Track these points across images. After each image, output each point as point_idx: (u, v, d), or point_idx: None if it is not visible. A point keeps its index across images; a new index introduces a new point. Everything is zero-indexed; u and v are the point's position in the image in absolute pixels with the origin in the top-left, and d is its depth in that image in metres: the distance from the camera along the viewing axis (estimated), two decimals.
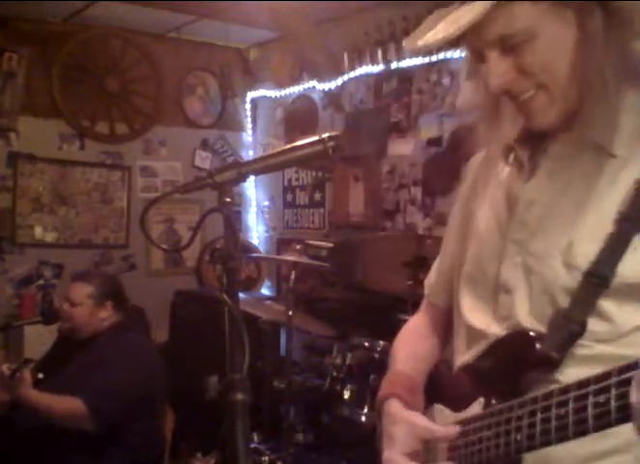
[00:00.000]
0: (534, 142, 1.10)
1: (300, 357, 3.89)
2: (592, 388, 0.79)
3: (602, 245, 0.97)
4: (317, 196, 4.59)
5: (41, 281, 4.27)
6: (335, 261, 3.90)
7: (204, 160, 4.90)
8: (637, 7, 0.96)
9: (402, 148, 3.95)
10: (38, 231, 4.28)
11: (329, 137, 1.06)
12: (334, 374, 3.03)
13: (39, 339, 3.57)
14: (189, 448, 3.25)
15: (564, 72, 0.98)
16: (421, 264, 2.90)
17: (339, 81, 4.26)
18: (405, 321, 1.44)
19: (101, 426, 2.46)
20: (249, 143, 5.14)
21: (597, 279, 0.97)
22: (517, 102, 1.03)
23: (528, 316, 1.04)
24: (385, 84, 4.04)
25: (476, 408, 1.08)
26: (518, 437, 0.91)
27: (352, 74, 4.17)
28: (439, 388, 1.24)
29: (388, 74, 3.98)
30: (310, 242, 4.11)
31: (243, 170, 1.04)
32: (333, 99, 4.37)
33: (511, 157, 1.14)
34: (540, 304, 1.03)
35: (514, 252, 1.08)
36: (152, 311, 4.03)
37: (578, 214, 1.01)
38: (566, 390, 0.83)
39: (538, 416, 0.87)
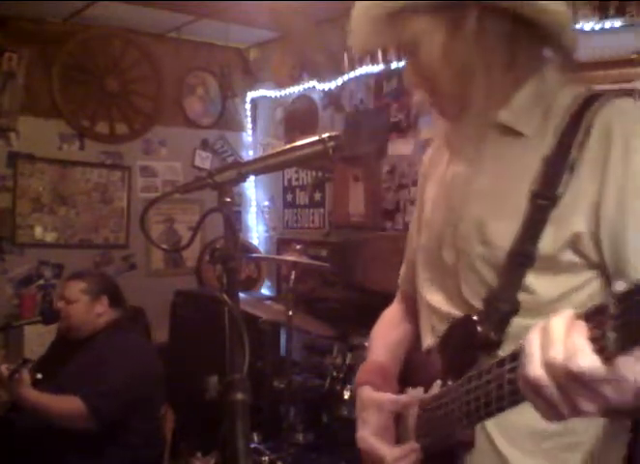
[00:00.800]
0: (459, 128, 1.18)
1: (300, 357, 3.89)
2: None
3: (520, 223, 1.03)
4: (317, 196, 4.59)
5: (41, 281, 4.27)
6: (335, 261, 3.90)
7: (204, 160, 4.90)
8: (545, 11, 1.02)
9: (402, 148, 3.95)
10: (38, 231, 4.28)
11: (329, 137, 1.06)
12: (334, 374, 3.03)
13: (39, 339, 3.58)
14: (189, 448, 3.25)
15: (447, 77, 1.07)
16: None
17: (339, 81, 4.26)
18: (395, 301, 1.50)
19: (100, 426, 2.46)
20: (249, 143, 5.14)
21: (521, 257, 1.03)
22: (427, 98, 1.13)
23: (469, 297, 1.11)
24: (385, 84, 4.04)
25: (435, 389, 1.13)
26: (471, 408, 0.96)
27: (352, 74, 4.17)
28: (411, 372, 1.31)
29: (388, 74, 3.98)
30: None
31: (243, 170, 1.04)
32: (333, 99, 4.37)
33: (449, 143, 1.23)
34: (473, 282, 1.11)
35: (449, 235, 1.16)
36: (152, 311, 4.03)
37: (489, 193, 1.09)
38: (502, 362, 0.86)
39: (481, 390, 0.92)
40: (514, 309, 1.03)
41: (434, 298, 1.21)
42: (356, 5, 1.09)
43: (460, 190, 1.14)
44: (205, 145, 4.94)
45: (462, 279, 1.13)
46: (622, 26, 2.86)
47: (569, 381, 0.69)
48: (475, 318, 1.05)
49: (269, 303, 3.94)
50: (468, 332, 1.05)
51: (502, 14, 1.02)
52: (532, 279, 1.03)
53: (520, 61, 1.07)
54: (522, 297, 1.04)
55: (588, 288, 1.05)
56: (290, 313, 2.91)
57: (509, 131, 1.08)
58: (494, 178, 1.10)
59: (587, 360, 0.67)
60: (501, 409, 0.88)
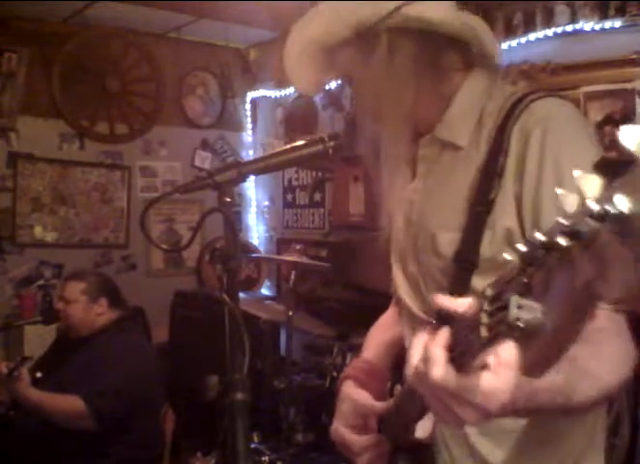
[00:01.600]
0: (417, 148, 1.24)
1: (300, 357, 3.89)
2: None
3: (462, 231, 1.08)
4: (317, 196, 4.58)
5: (41, 281, 4.26)
6: (335, 261, 3.90)
7: (204, 160, 4.90)
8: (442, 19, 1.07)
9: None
10: (38, 231, 4.28)
11: (329, 137, 1.06)
12: (334, 374, 3.03)
13: (39, 339, 3.57)
14: (190, 447, 3.25)
15: (379, 98, 1.12)
16: None
17: (339, 81, 4.25)
18: (390, 305, 1.52)
19: (100, 426, 2.46)
20: (249, 143, 5.14)
21: (465, 263, 1.08)
22: None
23: (429, 297, 1.15)
24: None
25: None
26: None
27: None
28: (399, 370, 1.32)
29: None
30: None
31: (243, 170, 1.04)
32: (333, 99, 4.37)
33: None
34: (433, 290, 1.15)
35: (411, 248, 1.22)
36: (152, 311, 4.01)
37: (439, 207, 1.15)
38: None
39: None
40: None
41: (410, 303, 1.25)
42: (286, 51, 1.20)
43: (416, 205, 1.20)
44: (205, 145, 4.94)
45: (424, 288, 1.19)
46: (622, 26, 2.85)
47: (433, 391, 0.70)
48: (433, 322, 1.08)
49: (269, 303, 3.94)
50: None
51: (407, 34, 1.07)
52: (476, 281, 1.07)
53: (442, 75, 1.13)
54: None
55: None
56: (290, 313, 2.91)
57: (449, 145, 1.14)
58: (441, 191, 1.15)
59: (437, 370, 0.68)
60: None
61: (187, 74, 4.83)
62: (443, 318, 0.72)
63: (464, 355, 0.67)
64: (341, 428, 1.28)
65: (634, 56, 2.81)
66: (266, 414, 3.29)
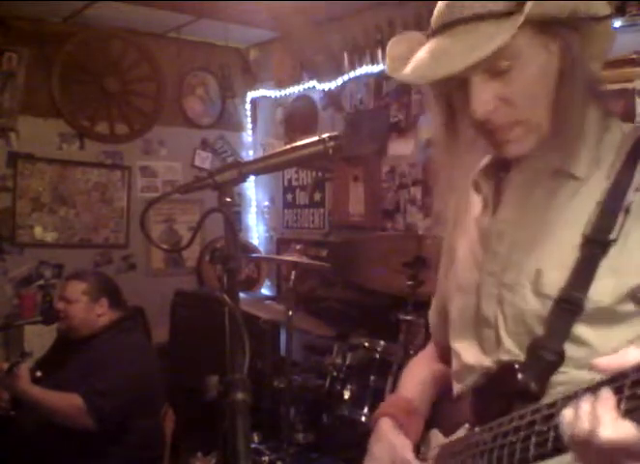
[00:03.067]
0: (497, 173, 1.12)
1: (300, 357, 3.89)
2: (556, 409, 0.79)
3: (570, 270, 0.96)
4: (317, 196, 4.58)
5: (41, 281, 4.26)
6: (335, 261, 3.90)
7: (204, 160, 4.90)
8: (599, 30, 0.98)
9: (402, 148, 3.95)
10: (38, 231, 4.28)
11: (329, 137, 1.06)
12: (334, 374, 3.03)
13: (39, 339, 3.57)
14: (190, 447, 3.25)
15: (543, 102, 0.98)
16: (421, 264, 2.90)
17: (339, 81, 4.26)
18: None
19: (100, 425, 2.46)
20: (249, 143, 5.14)
21: (570, 306, 0.96)
22: (493, 132, 1.01)
23: (511, 348, 1.05)
24: (385, 84, 4.04)
25: (461, 433, 1.10)
26: (493, 457, 0.91)
27: (352, 74, 4.17)
28: (438, 413, 1.26)
29: (388, 74, 3.97)
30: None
31: (243, 170, 1.03)
32: (333, 99, 4.37)
33: (482, 190, 1.14)
34: (518, 334, 1.04)
35: (490, 285, 1.08)
36: (152, 311, 4.01)
37: (543, 240, 1.01)
38: (535, 410, 0.83)
39: (509, 438, 0.88)
40: (559, 360, 0.97)
41: (465, 348, 1.15)
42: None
43: (506, 238, 1.07)
44: (205, 145, 4.94)
45: (505, 332, 1.05)
46: (622, 26, 2.85)
47: (598, 455, 0.68)
48: (516, 366, 0.99)
49: (269, 303, 3.94)
50: (507, 380, 1.00)
51: (575, 34, 0.96)
52: (584, 330, 0.97)
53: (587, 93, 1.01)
54: (571, 348, 0.98)
55: None
56: (290, 313, 2.91)
57: (560, 173, 1.01)
58: (545, 224, 1.01)
59: (608, 431, 0.65)
60: (525, 461, 0.82)
61: (187, 74, 4.83)
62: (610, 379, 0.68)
63: (634, 410, 0.64)
64: None
65: (634, 56, 2.80)
66: (266, 414, 3.29)
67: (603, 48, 1.00)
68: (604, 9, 0.96)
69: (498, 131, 1.00)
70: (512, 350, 1.04)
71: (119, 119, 4.55)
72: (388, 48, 1.07)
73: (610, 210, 0.95)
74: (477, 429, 1.01)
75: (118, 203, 4.57)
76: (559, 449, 0.76)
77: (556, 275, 0.98)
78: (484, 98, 0.96)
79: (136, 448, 2.62)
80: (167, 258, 4.79)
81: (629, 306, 0.96)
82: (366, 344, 3.01)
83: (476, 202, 1.17)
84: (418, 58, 0.98)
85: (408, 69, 0.98)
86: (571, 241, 0.98)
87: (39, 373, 2.57)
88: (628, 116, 2.85)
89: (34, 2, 3.82)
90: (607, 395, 0.67)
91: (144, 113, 4.65)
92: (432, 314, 1.38)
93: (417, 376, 1.34)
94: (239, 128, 5.11)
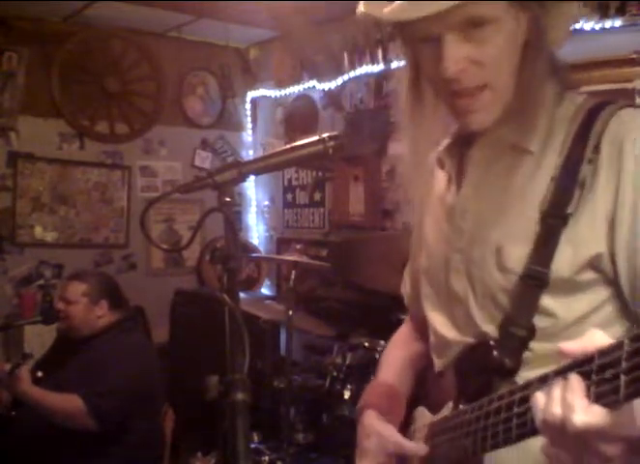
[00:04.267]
0: (460, 151, 1.13)
1: (300, 357, 3.89)
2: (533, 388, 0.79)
3: (532, 245, 0.99)
4: (317, 196, 4.58)
5: (41, 281, 4.27)
6: (335, 261, 3.90)
7: (204, 160, 4.90)
8: (562, 11, 1.01)
9: (402, 148, 3.94)
10: (38, 231, 4.28)
11: (329, 137, 1.06)
12: (334, 374, 3.03)
13: (39, 339, 3.57)
14: (190, 447, 3.26)
15: (508, 71, 0.99)
16: None
17: (339, 81, 4.26)
18: (405, 321, 1.46)
19: (100, 425, 2.46)
20: (249, 143, 5.14)
21: (535, 280, 0.99)
22: (460, 98, 1.01)
23: (481, 322, 1.07)
24: (385, 84, 4.03)
25: (444, 412, 1.11)
26: (477, 438, 0.92)
27: (352, 74, 4.17)
28: (422, 391, 1.28)
29: (388, 74, 3.98)
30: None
31: (243, 170, 1.03)
32: (333, 99, 4.37)
33: (445, 167, 1.16)
34: (487, 309, 1.06)
35: (458, 261, 1.10)
36: (152, 311, 4.03)
37: (503, 216, 1.04)
38: (512, 392, 0.84)
39: (490, 419, 0.89)
40: (530, 335, 1.00)
41: (440, 322, 1.17)
42: None
43: (470, 215, 1.09)
44: (205, 145, 4.94)
45: (474, 306, 1.08)
46: (622, 26, 2.85)
47: (572, 440, 0.68)
48: (491, 343, 1.02)
49: (269, 302, 3.94)
50: (483, 357, 1.03)
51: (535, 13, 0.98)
52: (549, 302, 1.00)
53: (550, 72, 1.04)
54: (539, 321, 1.00)
55: (606, 309, 1.01)
56: (290, 313, 2.91)
57: (517, 149, 1.03)
58: (505, 200, 1.04)
59: (580, 417, 0.66)
60: (508, 441, 0.84)
61: (187, 74, 4.83)
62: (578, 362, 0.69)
63: (604, 395, 0.65)
64: None
65: (634, 56, 2.80)
66: (266, 414, 3.29)
67: (565, 28, 1.02)
68: None
69: (464, 96, 1.00)
70: (483, 324, 1.06)
71: (119, 119, 4.55)
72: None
73: (565, 184, 0.97)
74: (460, 409, 1.03)
75: (118, 203, 4.57)
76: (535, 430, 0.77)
77: (517, 250, 1.00)
78: (457, 56, 0.96)
79: (136, 448, 2.62)
80: (167, 258, 4.79)
81: (589, 275, 0.98)
82: (366, 344, 3.01)
83: (440, 179, 1.19)
84: (396, 3, 0.95)
85: (386, 10, 0.96)
86: (530, 216, 1.00)
87: (39, 374, 2.57)
88: None
89: (34, 2, 3.82)
90: (576, 382, 0.67)
91: (144, 113, 4.65)
92: (406, 288, 1.40)
93: (395, 359, 1.36)
94: (239, 127, 5.11)
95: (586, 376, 0.67)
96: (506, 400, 0.84)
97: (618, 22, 2.86)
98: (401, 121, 1.13)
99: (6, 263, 4.17)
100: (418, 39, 1.00)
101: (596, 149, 0.96)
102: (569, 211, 0.96)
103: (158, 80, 4.68)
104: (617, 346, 0.63)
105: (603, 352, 0.65)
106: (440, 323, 1.17)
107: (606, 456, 0.68)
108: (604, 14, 2.91)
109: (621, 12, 2.86)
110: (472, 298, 1.08)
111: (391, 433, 1.17)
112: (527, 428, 0.78)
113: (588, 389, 0.67)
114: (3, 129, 4.13)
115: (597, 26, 2.92)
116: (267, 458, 3.01)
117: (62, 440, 2.48)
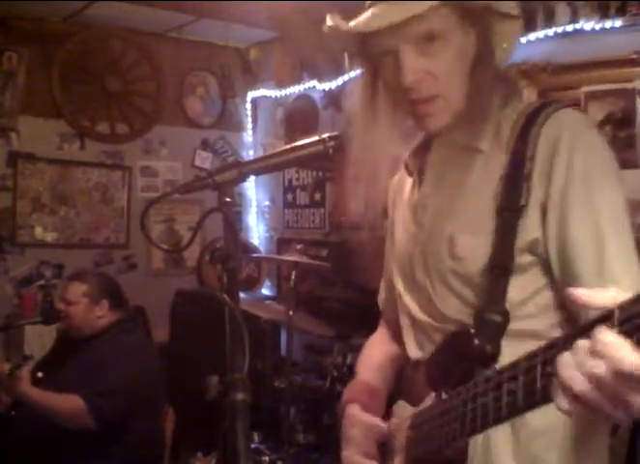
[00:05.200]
0: (422, 154, 1.23)
1: (300, 357, 3.89)
2: (521, 368, 0.79)
3: (491, 237, 1.07)
4: (317, 196, 4.59)
5: (41, 281, 4.27)
6: (335, 261, 3.90)
7: (204, 160, 4.90)
8: (507, 28, 1.13)
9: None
10: (38, 231, 4.28)
11: (329, 137, 1.06)
12: (335, 374, 3.03)
13: (39, 339, 3.57)
14: (190, 448, 3.26)
15: (460, 81, 1.10)
16: None
17: (340, 81, 4.26)
18: (380, 325, 1.50)
19: (100, 425, 2.46)
20: (250, 143, 5.14)
21: (502, 269, 1.06)
22: (416, 105, 1.10)
23: (442, 308, 1.15)
24: None
25: (427, 402, 1.13)
26: (466, 420, 0.94)
27: (352, 74, 4.16)
28: (402, 385, 1.32)
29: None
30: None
31: (243, 170, 1.04)
32: (333, 99, 4.37)
33: (410, 170, 1.26)
34: (445, 295, 1.14)
35: (419, 253, 1.19)
36: (152, 311, 4.03)
37: (457, 210, 1.13)
38: (501, 372, 0.84)
39: (478, 401, 0.90)
40: (506, 320, 1.06)
41: (416, 311, 1.22)
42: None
43: (428, 210, 1.18)
44: (205, 145, 4.94)
45: (434, 294, 1.16)
46: (622, 26, 2.85)
47: (620, 386, 0.65)
48: (472, 331, 1.06)
49: (269, 302, 3.94)
50: (464, 345, 1.06)
51: (485, 23, 1.11)
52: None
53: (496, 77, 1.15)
54: None
55: (545, 294, 1.09)
56: (290, 313, 2.91)
57: (469, 149, 1.13)
58: (459, 195, 1.14)
59: (633, 357, 0.63)
60: (498, 420, 0.86)
61: (187, 74, 4.83)
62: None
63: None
64: (355, 456, 1.23)
65: (634, 56, 2.80)
66: (266, 414, 3.29)
67: (510, 45, 1.15)
68: (514, 10, 1.12)
69: (421, 103, 1.10)
70: (443, 310, 1.14)
71: (119, 119, 4.55)
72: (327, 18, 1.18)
73: (513, 179, 1.06)
74: (444, 397, 1.06)
75: (118, 203, 4.57)
76: (530, 404, 0.77)
77: (468, 240, 1.10)
78: (414, 67, 1.06)
79: (136, 447, 2.62)
80: (167, 258, 4.79)
81: (527, 258, 1.07)
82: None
83: (408, 184, 1.29)
84: (360, 18, 1.10)
85: (351, 24, 1.09)
86: (482, 209, 1.09)
87: (39, 374, 2.57)
88: (628, 116, 2.85)
89: (34, 2, 3.82)
90: (609, 332, 0.65)
91: (144, 113, 4.65)
92: (381, 291, 1.47)
93: (373, 359, 1.41)
94: (239, 127, 5.11)
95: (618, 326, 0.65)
96: (494, 381, 0.84)
97: (618, 22, 2.86)
98: (356, 128, 1.20)
99: (6, 263, 4.17)
100: (377, 52, 1.11)
101: (535, 146, 1.06)
102: (522, 203, 1.05)
103: (158, 80, 4.68)
104: (636, 299, 0.63)
105: (622, 306, 0.64)
106: (415, 310, 1.23)
107: (635, 407, 0.66)
108: (604, 14, 2.91)
109: (621, 12, 2.86)
110: (429, 285, 1.16)
111: (374, 421, 1.24)
112: (519, 405, 0.78)
113: (628, 335, 0.64)
114: (3, 129, 4.14)
115: (597, 26, 2.92)
116: (267, 458, 3.01)
117: (62, 440, 2.48)
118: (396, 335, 1.36)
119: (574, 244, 1.03)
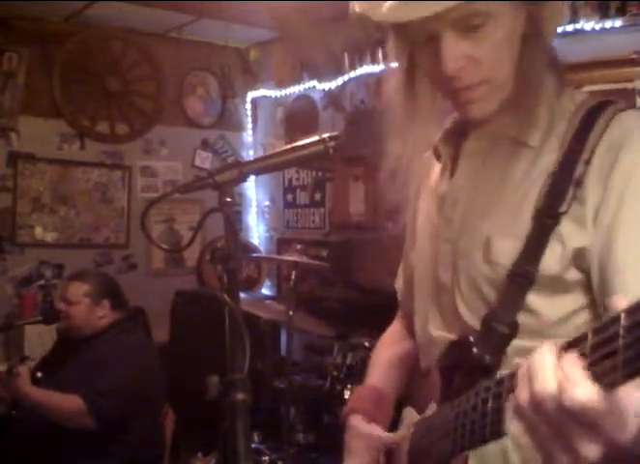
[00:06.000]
0: (456, 140, 1.11)
1: (300, 357, 3.89)
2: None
3: (523, 242, 0.97)
4: (317, 196, 4.59)
5: (41, 281, 4.27)
6: (335, 261, 3.90)
7: (204, 160, 4.90)
8: (553, 8, 1.01)
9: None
10: (38, 231, 4.28)
11: (329, 137, 1.05)
12: (335, 374, 3.03)
13: (39, 339, 3.58)
14: (190, 448, 3.25)
15: (508, 66, 0.99)
16: None
17: (339, 81, 4.26)
18: (396, 318, 1.47)
19: (100, 425, 2.47)
20: (250, 143, 5.14)
21: (522, 278, 0.97)
22: (458, 92, 1.00)
23: (466, 315, 1.06)
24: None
25: (429, 412, 1.10)
26: (459, 436, 0.90)
27: (352, 74, 4.17)
28: (410, 390, 1.29)
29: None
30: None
31: (243, 170, 1.03)
32: (333, 99, 4.37)
33: (441, 156, 1.15)
34: (472, 301, 1.05)
35: (446, 252, 1.09)
36: (152, 311, 4.00)
37: (495, 209, 1.03)
38: (487, 388, 0.82)
39: (468, 417, 0.87)
40: (513, 332, 0.99)
41: (427, 320, 1.16)
42: None
43: (459, 205, 1.09)
44: (205, 145, 4.94)
45: (460, 298, 1.07)
46: (622, 26, 2.85)
47: (562, 417, 0.61)
48: (471, 339, 1.01)
49: (269, 302, 3.94)
50: (464, 353, 1.01)
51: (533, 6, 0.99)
52: (533, 299, 0.98)
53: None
54: (522, 318, 0.99)
55: (585, 314, 1.00)
56: (290, 313, 2.91)
57: (515, 142, 1.03)
58: (498, 193, 1.03)
59: (582, 390, 0.59)
60: (483, 440, 0.81)
61: (187, 74, 4.83)
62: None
63: (604, 376, 0.58)
64: None
65: (634, 56, 2.81)
66: (266, 414, 3.29)
67: (556, 25, 1.03)
68: None
69: (464, 91, 1.00)
70: (468, 318, 1.05)
71: (119, 119, 4.55)
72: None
73: (561, 182, 0.96)
74: (441, 407, 1.02)
75: (118, 203, 4.57)
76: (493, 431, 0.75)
77: (506, 244, 0.99)
78: (456, 54, 0.96)
79: (136, 447, 2.62)
80: (168, 258, 4.79)
81: (574, 274, 0.98)
82: (367, 344, 3.01)
83: (435, 171, 1.18)
84: (392, 3, 0.93)
85: (383, 10, 0.94)
86: (523, 211, 0.99)
87: (39, 374, 2.57)
88: None
89: (34, 2, 3.82)
90: (574, 357, 0.61)
91: (144, 113, 4.65)
92: (399, 283, 1.40)
93: (383, 360, 1.36)
94: (239, 127, 5.11)
95: (582, 355, 0.61)
96: (481, 396, 0.82)
97: (618, 22, 2.86)
98: (394, 120, 1.11)
99: (6, 263, 4.17)
100: (414, 38, 1.00)
101: (594, 150, 0.95)
102: (562, 210, 0.95)
103: (158, 80, 4.68)
104: (611, 322, 0.58)
105: (597, 329, 0.60)
106: (427, 320, 1.16)
107: (581, 455, 0.61)
108: (604, 14, 2.91)
109: (621, 12, 2.86)
110: (457, 289, 1.07)
111: (377, 432, 1.19)
112: (503, 426, 0.74)
113: (587, 367, 0.60)
114: (3, 129, 4.13)
115: (598, 26, 2.92)
116: (267, 458, 3.01)
117: (62, 439, 2.48)
118: (412, 327, 1.29)
119: (616, 265, 0.93)
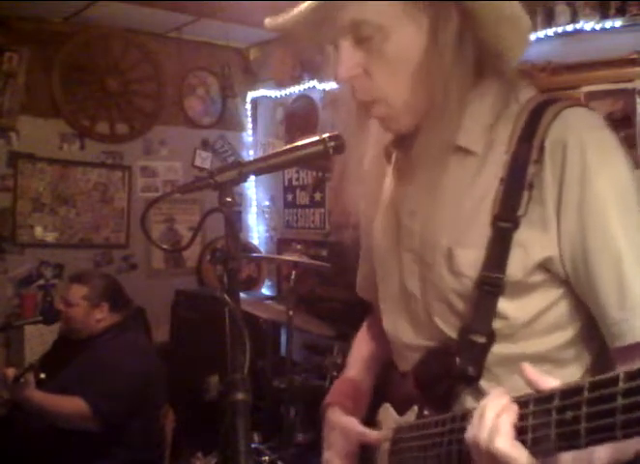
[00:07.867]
0: (406, 144, 1.07)
1: (300, 357, 3.89)
2: None
3: (485, 250, 0.96)
4: (317, 196, 4.59)
5: (41, 281, 4.26)
6: (335, 261, 3.90)
7: (204, 160, 4.90)
8: (489, 6, 0.92)
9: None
10: (38, 231, 4.28)
11: (329, 137, 1.05)
12: (335, 374, 3.03)
13: (39, 339, 3.58)
14: (190, 447, 3.25)
15: (405, 80, 0.96)
16: None
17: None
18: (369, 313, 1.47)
19: (102, 426, 2.47)
20: (250, 143, 5.14)
21: (491, 286, 0.97)
22: (365, 106, 1.00)
23: (443, 325, 1.05)
24: None
25: (410, 416, 1.11)
26: (441, 453, 0.93)
27: None
28: (388, 387, 1.29)
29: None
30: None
31: (243, 170, 1.03)
32: (333, 99, 4.37)
33: (391, 158, 1.15)
34: (442, 310, 1.04)
35: (410, 261, 1.09)
36: (152, 311, 4.03)
37: (453, 219, 1.01)
38: (454, 419, 0.89)
39: (445, 438, 0.91)
40: (490, 340, 0.99)
41: (397, 327, 1.15)
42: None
43: (419, 216, 1.06)
44: (205, 145, 4.94)
45: (433, 310, 1.06)
46: (622, 26, 2.86)
47: (491, 460, 0.71)
48: (452, 350, 1.01)
49: (269, 303, 3.94)
50: (445, 364, 1.01)
51: (456, 8, 0.92)
52: (503, 304, 0.98)
53: (485, 75, 1.00)
54: (496, 324, 0.99)
55: (559, 307, 1.00)
56: (290, 313, 2.91)
57: (459, 149, 1.01)
58: (452, 202, 1.01)
59: (503, 442, 0.69)
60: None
61: (187, 74, 4.83)
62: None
63: (540, 441, 0.67)
64: (335, 460, 1.22)
65: (634, 56, 2.81)
66: (266, 414, 3.29)
67: (500, 29, 0.93)
68: None
69: (368, 106, 0.99)
70: (443, 327, 1.05)
71: (119, 119, 4.55)
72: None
73: (514, 185, 0.95)
74: (425, 419, 1.04)
75: (118, 203, 4.57)
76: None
77: (469, 254, 0.98)
78: (349, 62, 0.95)
79: (136, 447, 2.62)
80: (168, 258, 4.79)
81: (539, 276, 0.97)
82: None
83: (388, 172, 1.17)
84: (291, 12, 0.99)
85: (278, 19, 1.00)
86: (480, 219, 0.98)
87: (42, 375, 2.56)
88: (629, 116, 2.85)
89: (34, 2, 3.82)
90: (514, 408, 0.72)
91: (145, 113, 4.65)
92: (359, 278, 1.40)
93: (362, 352, 1.37)
94: (239, 127, 5.11)
95: (522, 417, 0.71)
96: (457, 424, 0.87)
97: (618, 22, 2.86)
98: (348, 128, 1.09)
99: (6, 263, 4.17)
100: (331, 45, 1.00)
101: (541, 149, 0.94)
102: (520, 213, 0.94)
103: (158, 80, 4.68)
104: (577, 389, 0.64)
105: (564, 392, 0.67)
106: (396, 327, 1.15)
107: None
108: (604, 14, 2.91)
109: (621, 12, 2.86)
110: (428, 301, 1.07)
111: (353, 425, 1.19)
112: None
113: (525, 429, 0.69)
114: (3, 129, 4.13)
115: (598, 26, 2.92)
116: (267, 458, 3.01)
117: (62, 440, 2.48)
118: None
119: (593, 271, 0.93)
